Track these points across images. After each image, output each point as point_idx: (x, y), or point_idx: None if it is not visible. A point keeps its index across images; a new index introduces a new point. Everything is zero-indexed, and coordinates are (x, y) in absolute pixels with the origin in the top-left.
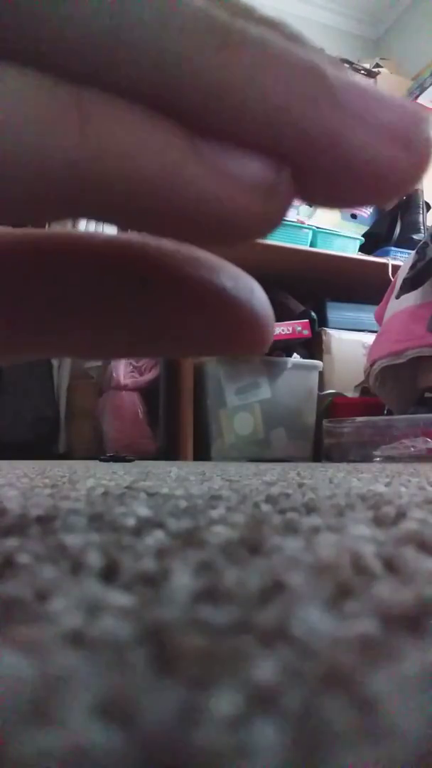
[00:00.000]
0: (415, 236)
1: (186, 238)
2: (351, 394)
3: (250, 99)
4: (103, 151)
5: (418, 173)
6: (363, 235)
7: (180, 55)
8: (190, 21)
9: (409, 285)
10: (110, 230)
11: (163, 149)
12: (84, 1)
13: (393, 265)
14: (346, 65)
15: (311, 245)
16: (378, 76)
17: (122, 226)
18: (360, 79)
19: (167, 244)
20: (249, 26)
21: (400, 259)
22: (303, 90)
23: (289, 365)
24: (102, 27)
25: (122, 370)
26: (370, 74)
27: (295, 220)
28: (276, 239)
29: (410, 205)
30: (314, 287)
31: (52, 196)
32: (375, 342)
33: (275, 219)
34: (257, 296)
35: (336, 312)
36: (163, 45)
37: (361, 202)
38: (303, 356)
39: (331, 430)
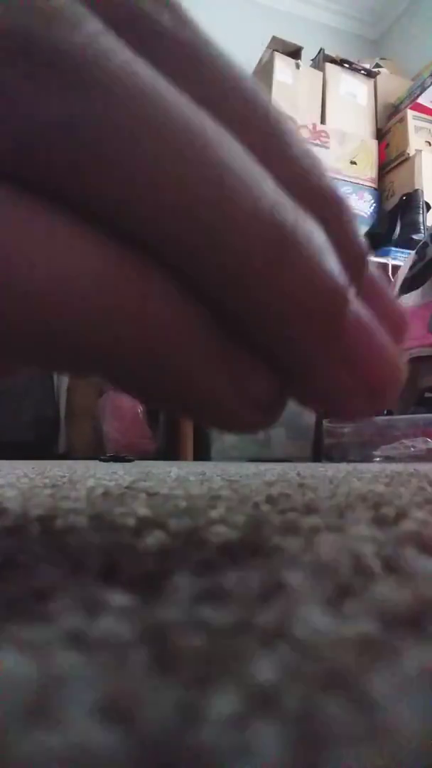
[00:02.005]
0: (415, 236)
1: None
2: None
3: (279, 321)
4: (156, 342)
5: (368, 416)
6: (363, 235)
7: (233, 259)
8: (250, 221)
9: (409, 285)
10: None
11: (205, 359)
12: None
13: (393, 265)
14: (346, 65)
15: None
16: (378, 76)
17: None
18: (366, 314)
19: None
20: (303, 229)
21: (400, 259)
22: (322, 323)
23: None
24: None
25: None
26: (370, 74)
27: None
28: None
29: (410, 205)
30: None
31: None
32: None
33: (266, 425)
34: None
35: None
36: (222, 247)
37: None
38: None
39: (331, 430)
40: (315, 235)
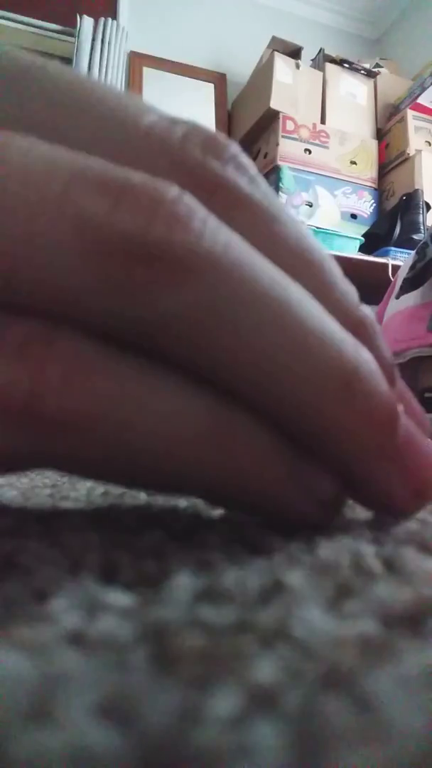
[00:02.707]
0: (415, 236)
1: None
2: None
3: (347, 440)
4: (241, 475)
5: (413, 511)
6: (363, 235)
7: (314, 401)
8: (325, 370)
9: (409, 285)
10: None
11: (280, 475)
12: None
13: (393, 265)
14: (346, 65)
15: None
16: (378, 76)
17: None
18: (415, 429)
19: None
20: (365, 363)
21: (400, 259)
22: (383, 438)
23: None
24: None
25: None
26: (370, 74)
27: None
28: None
29: (410, 205)
30: None
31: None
32: None
33: (330, 520)
34: None
35: None
36: (306, 395)
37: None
38: None
39: None
40: (371, 363)
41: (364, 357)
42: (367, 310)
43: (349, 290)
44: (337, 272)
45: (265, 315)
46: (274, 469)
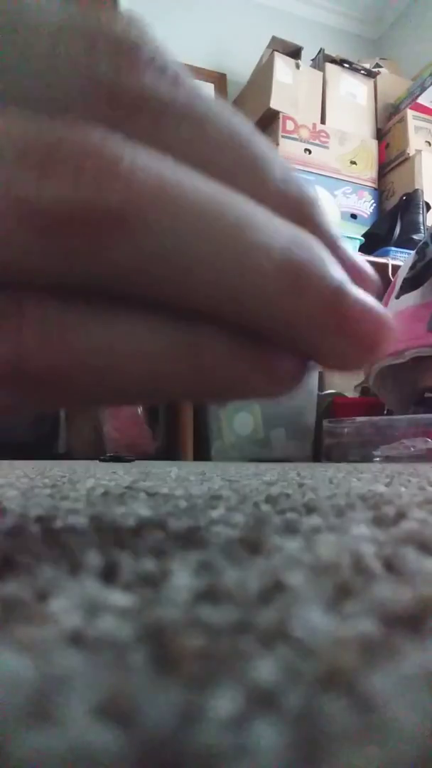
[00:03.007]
0: (415, 236)
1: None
2: (351, 394)
3: (303, 328)
4: (210, 382)
5: (368, 362)
6: (363, 235)
7: (264, 300)
8: (271, 272)
9: (409, 285)
10: None
11: (244, 368)
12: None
13: (393, 265)
14: (346, 65)
15: None
16: (378, 76)
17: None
18: (365, 295)
19: None
20: (307, 255)
21: (400, 259)
22: (332, 317)
23: None
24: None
25: None
26: (370, 74)
27: None
28: None
29: (410, 205)
30: None
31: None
32: None
33: (295, 389)
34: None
35: None
36: (256, 295)
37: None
38: None
39: (331, 430)
40: (314, 250)
41: (307, 247)
42: (306, 188)
43: (285, 174)
44: (271, 158)
45: (206, 236)
46: (238, 367)
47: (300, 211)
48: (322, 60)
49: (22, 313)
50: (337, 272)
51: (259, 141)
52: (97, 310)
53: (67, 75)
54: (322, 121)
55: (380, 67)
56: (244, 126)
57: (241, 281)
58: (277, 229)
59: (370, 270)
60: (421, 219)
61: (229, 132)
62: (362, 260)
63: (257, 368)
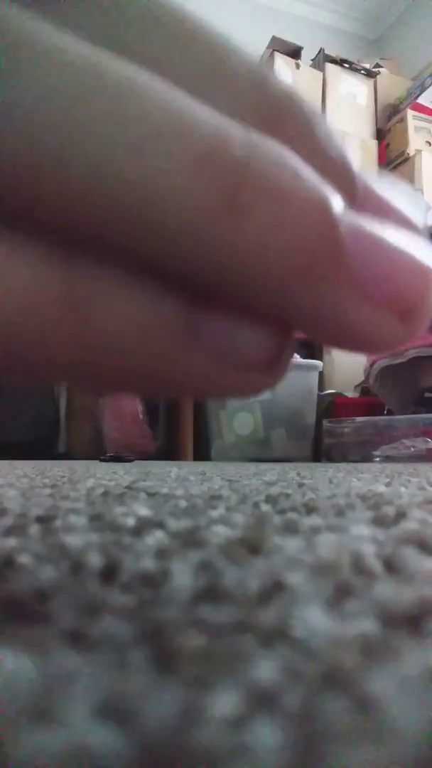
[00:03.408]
0: None
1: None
2: (351, 394)
3: (257, 272)
4: (92, 342)
5: (411, 338)
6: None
7: (177, 222)
8: (187, 170)
9: None
10: None
11: (158, 335)
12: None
13: None
14: (346, 65)
15: None
16: (378, 76)
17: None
18: (372, 225)
19: None
20: (259, 157)
21: None
22: (313, 259)
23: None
24: (93, 183)
25: None
26: (370, 74)
27: None
28: None
29: None
30: None
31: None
32: None
33: (271, 386)
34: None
35: None
36: (159, 209)
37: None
38: (303, 356)
39: (331, 430)
40: (276, 156)
41: (260, 149)
42: (295, 93)
43: (248, 65)
44: (224, 45)
45: (69, 91)
46: (148, 328)
47: (277, 120)
48: (322, 60)
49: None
50: (326, 192)
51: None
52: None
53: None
54: None
55: (380, 67)
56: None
57: (132, 177)
58: (207, 116)
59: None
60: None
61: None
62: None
63: (193, 341)
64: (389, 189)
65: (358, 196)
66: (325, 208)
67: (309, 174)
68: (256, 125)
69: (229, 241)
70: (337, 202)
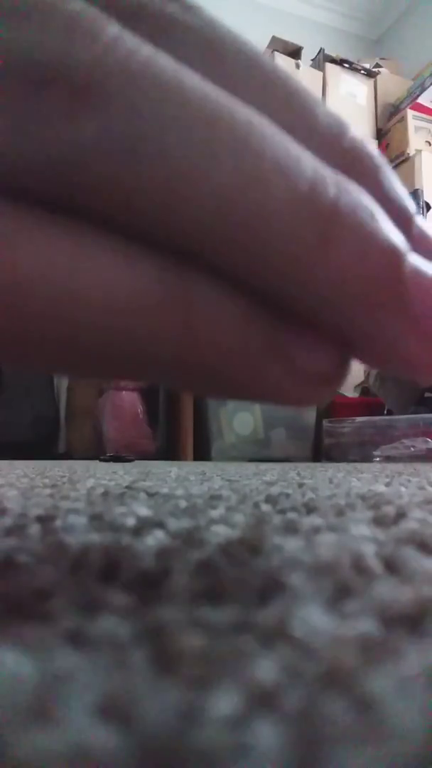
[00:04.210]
0: None
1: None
2: (351, 394)
3: (337, 296)
4: (206, 351)
5: None
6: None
7: (278, 248)
8: (290, 206)
9: None
10: None
11: (255, 348)
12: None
13: None
14: (346, 65)
15: None
16: (378, 76)
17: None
18: (426, 264)
19: None
20: (347, 197)
21: None
22: (381, 287)
23: None
24: (209, 207)
25: None
26: (370, 74)
27: None
28: None
29: None
30: None
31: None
32: None
33: (329, 396)
34: None
35: None
36: (267, 235)
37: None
38: None
39: (331, 430)
40: (359, 199)
41: (348, 192)
42: (366, 144)
43: (331, 116)
44: (313, 101)
45: (199, 136)
46: (245, 341)
47: (352, 167)
48: (322, 60)
49: None
50: (395, 235)
51: (293, 79)
52: (59, 223)
53: None
54: None
55: (380, 67)
56: (275, 67)
57: (244, 210)
58: (318, 172)
59: None
60: None
61: (250, 61)
62: None
63: (275, 352)
64: None
65: (414, 239)
66: (394, 247)
67: (383, 216)
68: (338, 170)
69: (317, 267)
70: (403, 244)
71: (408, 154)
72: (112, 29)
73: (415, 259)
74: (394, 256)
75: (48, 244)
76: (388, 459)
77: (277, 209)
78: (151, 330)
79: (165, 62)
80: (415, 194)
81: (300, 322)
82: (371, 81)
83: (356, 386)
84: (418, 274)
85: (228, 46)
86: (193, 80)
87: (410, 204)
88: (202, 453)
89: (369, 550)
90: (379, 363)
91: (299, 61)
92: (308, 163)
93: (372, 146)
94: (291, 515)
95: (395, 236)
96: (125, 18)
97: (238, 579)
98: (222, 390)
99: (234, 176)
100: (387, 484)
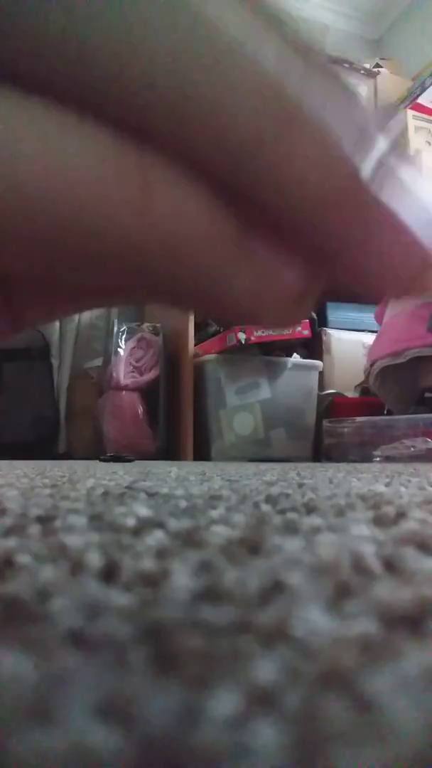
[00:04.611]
0: None
1: (199, 312)
2: (351, 394)
3: (296, 198)
4: (163, 233)
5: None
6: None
7: (239, 135)
8: (255, 94)
9: None
10: None
11: (219, 242)
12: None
13: None
14: (346, 64)
15: None
16: (378, 76)
17: (141, 300)
18: (398, 181)
19: None
20: (312, 103)
21: None
22: (341, 197)
23: (289, 365)
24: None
25: (122, 370)
26: (370, 74)
27: None
28: None
29: None
30: None
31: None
32: (375, 342)
33: (297, 320)
34: None
35: (336, 312)
36: (226, 123)
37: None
38: (303, 356)
39: (331, 430)
40: (323, 107)
41: (313, 97)
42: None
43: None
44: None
45: (163, 15)
46: (207, 233)
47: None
48: None
49: None
50: (354, 153)
51: None
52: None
53: None
54: None
55: (380, 67)
56: None
57: (210, 92)
58: (281, 62)
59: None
60: None
61: None
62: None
63: (247, 262)
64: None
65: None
66: (353, 160)
67: (347, 131)
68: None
69: (275, 168)
70: (367, 160)
71: (408, 154)
72: None
73: (380, 174)
74: (353, 166)
75: (20, 118)
76: (388, 459)
77: (242, 95)
78: (107, 200)
79: None
80: None
81: (271, 236)
82: (371, 81)
83: (356, 386)
84: (386, 210)
85: None
86: None
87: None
88: (202, 453)
89: (369, 550)
90: (344, 278)
91: None
92: (279, 62)
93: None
94: (291, 515)
95: (356, 151)
96: None
97: (238, 579)
98: (191, 297)
99: (195, 52)
100: (387, 484)
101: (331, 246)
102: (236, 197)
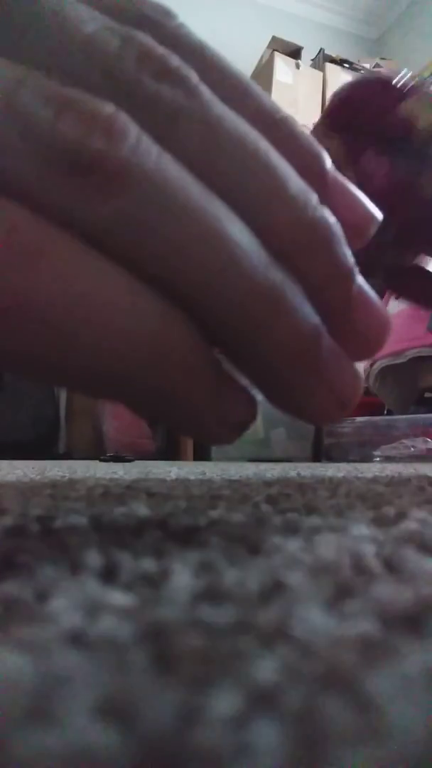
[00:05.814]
0: None
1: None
2: None
3: (269, 355)
4: (171, 378)
5: (340, 419)
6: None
7: (230, 316)
8: (241, 285)
9: None
10: None
11: (204, 389)
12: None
13: None
14: (346, 65)
15: None
16: None
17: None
18: (335, 344)
19: None
20: (289, 289)
21: None
22: (301, 356)
23: None
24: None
25: None
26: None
27: None
28: None
29: None
30: None
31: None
32: None
33: (236, 438)
34: None
35: None
36: (222, 310)
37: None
38: None
39: (331, 430)
40: (294, 290)
41: (289, 286)
42: (326, 213)
43: (300, 192)
44: (286, 172)
45: (189, 230)
46: (203, 387)
47: (310, 239)
48: (322, 60)
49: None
50: (314, 318)
51: (269, 153)
52: (80, 247)
53: (93, 64)
54: None
55: (380, 67)
56: (254, 139)
57: (216, 292)
58: (269, 266)
59: (382, 310)
60: None
61: (238, 142)
62: (378, 305)
63: (217, 401)
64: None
65: (328, 186)
66: (316, 327)
67: (306, 306)
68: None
69: (263, 336)
70: (322, 337)
71: None
72: (134, 130)
73: (329, 341)
74: (316, 331)
75: (68, 260)
76: (388, 459)
77: (238, 292)
78: (144, 356)
79: (169, 165)
80: None
81: (234, 381)
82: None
83: None
84: (334, 350)
85: (221, 131)
86: (189, 182)
87: (323, 155)
88: (202, 453)
89: (369, 550)
90: (291, 410)
91: (299, 61)
92: (260, 259)
93: (326, 215)
94: (291, 515)
95: (313, 317)
96: (138, 110)
97: (238, 579)
98: (163, 413)
99: (209, 265)
100: (387, 484)
101: (288, 384)
102: (232, 356)
